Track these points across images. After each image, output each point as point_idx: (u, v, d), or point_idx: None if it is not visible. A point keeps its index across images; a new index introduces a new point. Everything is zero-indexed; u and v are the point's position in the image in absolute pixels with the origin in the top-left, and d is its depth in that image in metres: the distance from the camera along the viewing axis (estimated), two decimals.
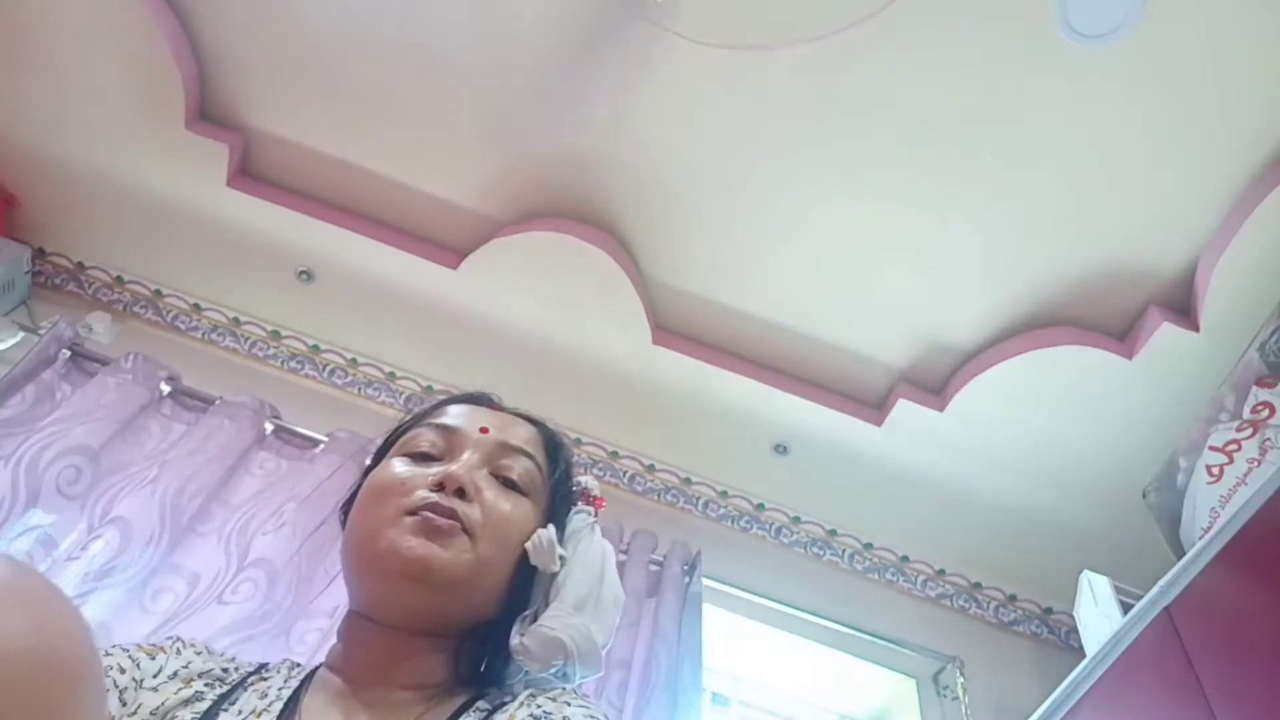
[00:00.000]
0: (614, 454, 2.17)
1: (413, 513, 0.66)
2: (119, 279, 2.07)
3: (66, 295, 2.04)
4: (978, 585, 2.20)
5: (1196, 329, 1.71)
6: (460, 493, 0.69)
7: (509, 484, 0.73)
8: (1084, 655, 1.58)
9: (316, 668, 0.70)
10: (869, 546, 2.20)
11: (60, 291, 2.05)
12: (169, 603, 1.40)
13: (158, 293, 2.08)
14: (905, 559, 2.20)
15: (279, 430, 1.75)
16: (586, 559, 0.74)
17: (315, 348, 2.11)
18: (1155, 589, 1.40)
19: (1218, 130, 1.58)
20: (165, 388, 1.74)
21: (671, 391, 2.04)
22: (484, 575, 0.68)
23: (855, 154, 1.70)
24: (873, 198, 1.75)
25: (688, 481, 2.19)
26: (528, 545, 0.71)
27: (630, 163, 1.80)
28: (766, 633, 1.99)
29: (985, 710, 1.94)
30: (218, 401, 1.71)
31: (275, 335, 2.10)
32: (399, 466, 0.72)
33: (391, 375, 2.12)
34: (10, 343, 1.79)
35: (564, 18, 1.62)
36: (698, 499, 2.19)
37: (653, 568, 1.80)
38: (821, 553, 2.18)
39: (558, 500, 0.78)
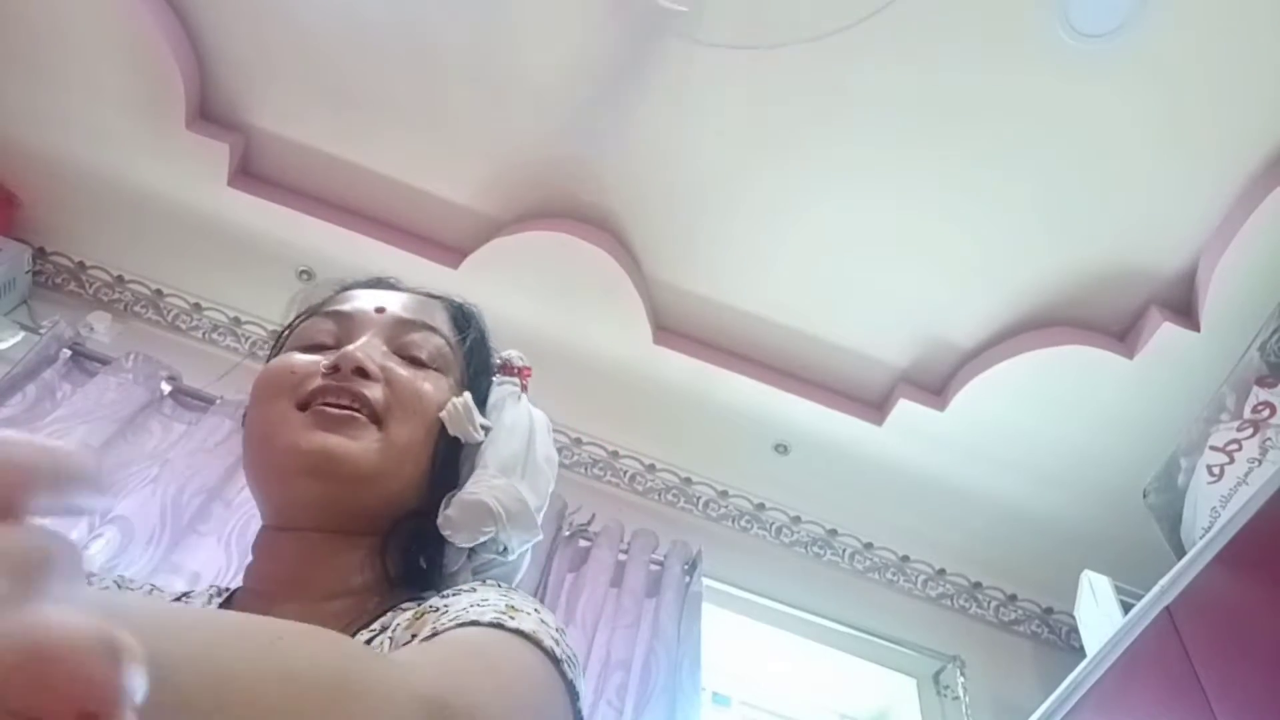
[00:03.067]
0: (614, 454, 2.17)
1: (305, 405, 0.60)
2: (119, 278, 2.07)
3: (67, 295, 2.04)
4: (978, 585, 2.20)
5: (1197, 329, 1.71)
6: (361, 373, 0.62)
7: (416, 363, 0.67)
8: (1084, 655, 1.58)
9: (236, 590, 0.64)
10: (869, 546, 2.20)
11: (61, 291, 2.05)
12: None
13: (158, 292, 2.08)
14: (905, 559, 2.20)
15: None
16: (511, 424, 0.69)
17: None
18: (1156, 589, 1.40)
19: (1217, 130, 1.58)
20: (166, 387, 1.74)
21: (672, 391, 2.03)
22: (401, 461, 0.61)
23: (856, 153, 1.70)
24: (873, 197, 1.75)
25: (688, 481, 2.19)
26: (442, 414, 0.64)
27: (631, 162, 1.80)
28: (766, 632, 1.98)
29: (985, 710, 1.94)
30: (218, 401, 1.72)
31: (276, 335, 2.10)
32: (291, 357, 0.66)
33: None
34: (11, 342, 1.79)
35: (564, 18, 1.62)
36: (698, 499, 2.19)
37: (653, 567, 1.80)
38: (822, 552, 2.18)
39: (475, 372, 0.72)
